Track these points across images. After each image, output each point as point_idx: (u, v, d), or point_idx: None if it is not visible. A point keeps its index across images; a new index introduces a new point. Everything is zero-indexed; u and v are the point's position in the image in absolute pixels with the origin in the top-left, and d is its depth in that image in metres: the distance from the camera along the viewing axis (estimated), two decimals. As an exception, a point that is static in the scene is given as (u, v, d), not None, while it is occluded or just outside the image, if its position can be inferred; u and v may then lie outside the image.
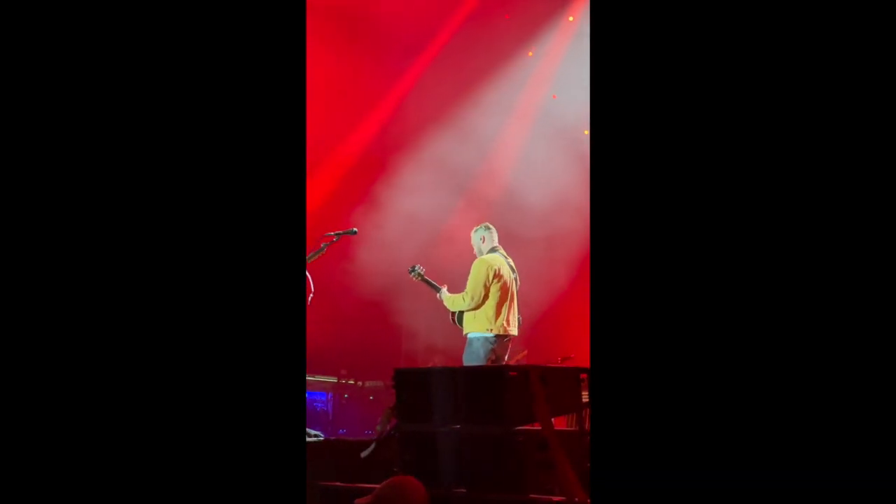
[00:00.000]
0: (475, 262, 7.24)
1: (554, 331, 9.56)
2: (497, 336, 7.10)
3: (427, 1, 10.53)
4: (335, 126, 10.42)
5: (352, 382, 10.09)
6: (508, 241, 8.09)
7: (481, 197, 10.30)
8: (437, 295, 7.49)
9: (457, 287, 7.46)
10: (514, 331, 7.25)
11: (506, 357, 7.23)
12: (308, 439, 6.33)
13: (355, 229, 7.37)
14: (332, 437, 7.48)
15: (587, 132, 8.94)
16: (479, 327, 7.14)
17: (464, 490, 4.35)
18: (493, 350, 7.08)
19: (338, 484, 4.88)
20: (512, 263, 7.34)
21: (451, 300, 7.29)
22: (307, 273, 6.74)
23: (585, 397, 4.68)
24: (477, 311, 7.14)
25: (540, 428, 4.24)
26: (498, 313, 7.11)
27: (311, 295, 6.77)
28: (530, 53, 10.47)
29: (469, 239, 7.52)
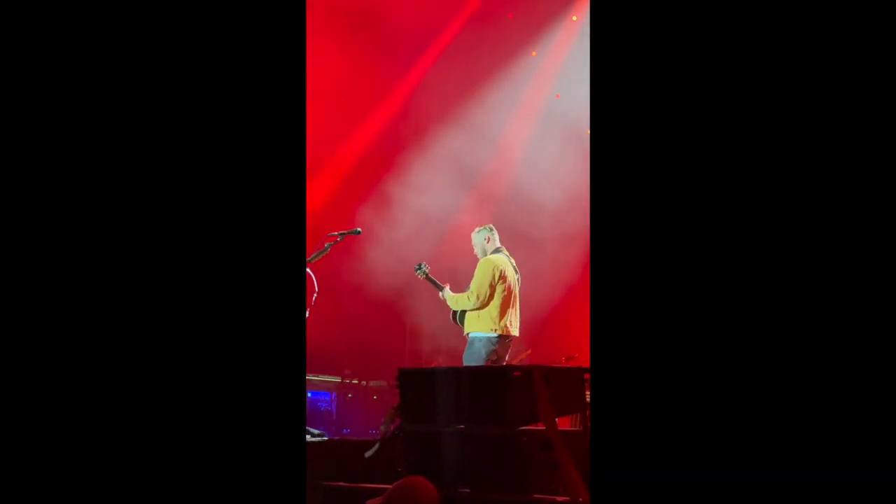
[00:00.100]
0: (481, 262, 7.26)
1: (558, 330, 9.55)
2: (499, 336, 7.12)
3: (431, 0, 10.54)
4: (339, 125, 10.42)
5: (356, 382, 10.09)
6: (514, 240, 8.10)
7: (488, 195, 10.29)
8: (440, 294, 7.50)
9: (458, 287, 7.47)
10: (515, 332, 7.27)
11: (506, 357, 7.25)
12: (312, 439, 6.34)
13: (359, 229, 7.38)
14: (336, 437, 7.48)
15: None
16: (482, 327, 7.15)
17: (468, 490, 4.35)
18: (494, 350, 7.10)
19: (342, 484, 4.87)
20: (514, 264, 7.36)
21: (456, 300, 7.29)
22: (311, 273, 6.75)
23: (589, 397, 4.67)
24: (481, 311, 7.15)
25: (544, 428, 4.24)
26: (502, 314, 7.14)
27: (315, 294, 6.77)
28: (534, 53, 10.46)
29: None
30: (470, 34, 10.51)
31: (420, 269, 7.62)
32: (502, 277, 7.15)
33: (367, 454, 5.02)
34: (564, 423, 5.17)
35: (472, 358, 7.12)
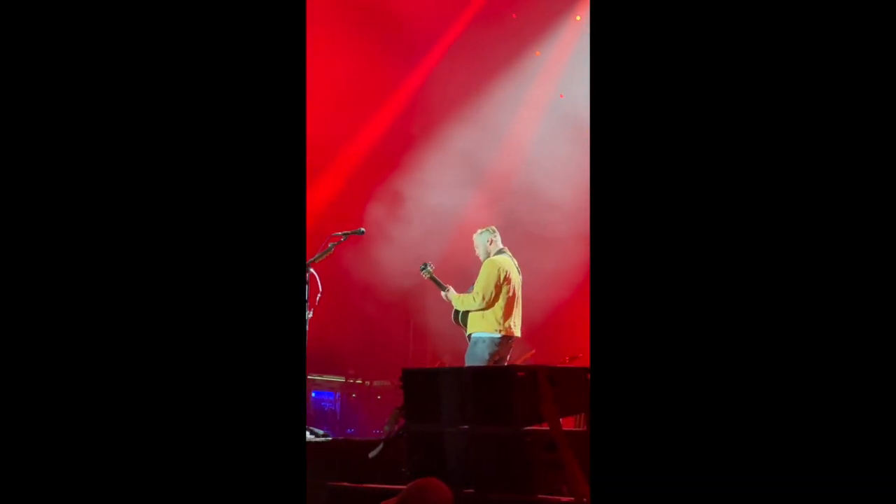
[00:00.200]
0: (486, 263, 7.28)
1: (562, 330, 9.54)
2: (503, 337, 7.14)
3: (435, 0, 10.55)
4: (344, 124, 10.42)
5: (360, 382, 10.09)
6: (519, 238, 8.10)
7: (496, 193, 10.28)
8: (443, 294, 7.51)
9: (462, 287, 7.48)
10: (517, 332, 7.30)
11: (508, 358, 7.26)
12: (316, 439, 6.34)
13: (363, 229, 7.38)
14: (340, 437, 7.49)
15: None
16: (486, 327, 7.17)
17: (472, 490, 4.34)
18: (497, 351, 7.13)
19: (345, 484, 4.88)
20: (517, 265, 7.38)
21: (461, 300, 7.31)
22: (315, 273, 6.75)
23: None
24: (485, 312, 7.17)
25: (548, 428, 4.23)
26: (507, 315, 7.16)
27: (319, 295, 6.78)
28: (538, 53, 10.46)
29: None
30: (474, 34, 10.51)
31: (425, 268, 7.64)
32: (507, 279, 7.18)
33: (371, 454, 5.03)
34: (568, 424, 5.17)
35: (475, 358, 7.13)
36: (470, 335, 7.28)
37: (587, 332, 3.21)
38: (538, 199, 9.71)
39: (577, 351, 8.25)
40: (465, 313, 7.30)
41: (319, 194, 10.27)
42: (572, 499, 4.04)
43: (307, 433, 6.48)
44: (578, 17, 10.19)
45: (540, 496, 4.17)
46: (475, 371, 5.86)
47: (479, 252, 7.44)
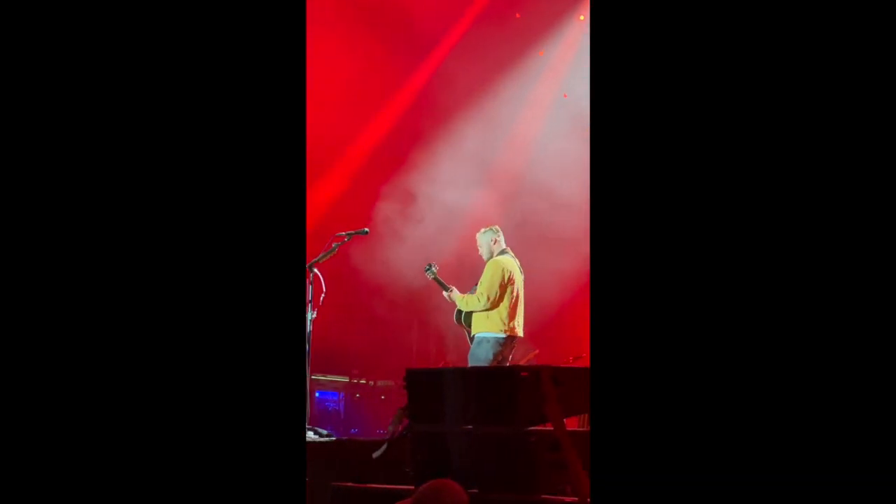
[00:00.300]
0: (490, 264, 7.30)
1: (566, 330, 9.54)
2: (506, 337, 7.17)
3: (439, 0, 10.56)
4: (348, 124, 10.43)
5: (363, 382, 10.09)
6: (521, 238, 8.09)
7: (503, 192, 10.28)
8: (445, 294, 7.53)
9: (464, 287, 7.48)
10: (521, 332, 7.33)
11: (510, 357, 7.27)
12: (320, 439, 6.34)
13: (366, 229, 7.39)
14: (344, 437, 7.49)
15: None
16: (491, 327, 7.19)
17: (476, 490, 4.34)
18: (500, 351, 7.15)
19: (349, 484, 4.88)
20: (520, 265, 7.39)
21: (465, 301, 7.32)
22: (318, 273, 6.76)
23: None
24: (490, 312, 7.19)
25: (552, 428, 4.23)
26: (512, 315, 7.18)
27: (323, 295, 6.78)
28: (541, 52, 10.46)
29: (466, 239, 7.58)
30: (478, 34, 10.51)
31: (429, 269, 7.66)
32: (511, 280, 7.20)
33: (375, 454, 5.02)
34: (572, 424, 5.17)
35: (480, 358, 7.15)
36: (473, 335, 7.29)
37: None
38: (545, 198, 9.70)
39: (580, 351, 8.25)
40: (469, 313, 7.32)
41: (325, 193, 10.28)
42: (576, 499, 4.03)
43: (311, 433, 6.48)
44: (582, 17, 10.19)
45: (544, 496, 4.16)
46: (479, 371, 5.86)
47: (483, 251, 7.45)
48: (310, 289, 6.71)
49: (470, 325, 7.35)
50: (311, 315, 6.68)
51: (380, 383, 10.12)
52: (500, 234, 7.47)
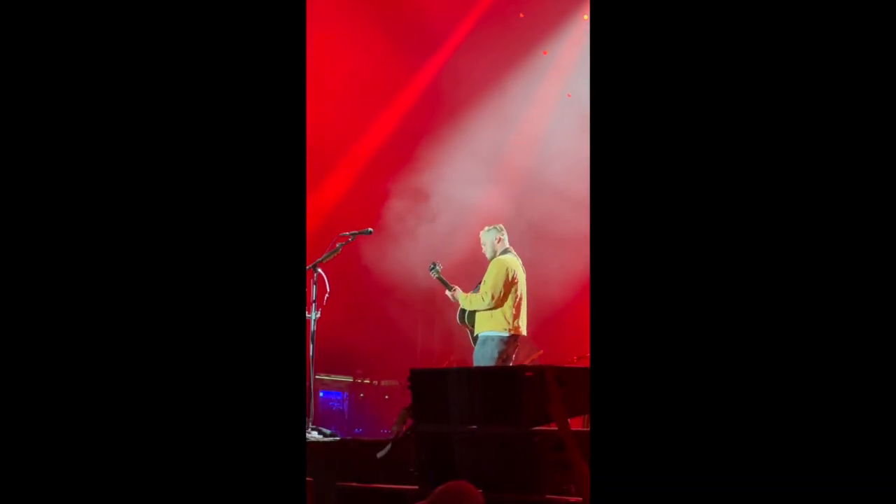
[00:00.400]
0: (493, 263, 7.31)
1: (569, 329, 9.53)
2: (511, 336, 7.17)
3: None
4: (352, 123, 10.43)
5: (367, 382, 10.09)
6: (524, 238, 8.09)
7: (509, 190, 10.28)
8: (448, 294, 7.53)
9: (467, 287, 7.49)
10: (524, 331, 7.35)
11: (514, 356, 7.28)
12: (324, 439, 6.35)
13: (370, 229, 7.40)
14: (348, 437, 7.49)
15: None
16: (495, 326, 7.19)
17: (479, 491, 4.34)
18: (505, 350, 7.16)
19: (353, 484, 4.88)
20: (522, 264, 7.40)
21: (469, 300, 7.33)
22: (323, 273, 6.76)
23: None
24: (494, 311, 7.20)
25: (556, 428, 4.23)
26: (516, 314, 7.19)
27: (328, 295, 6.79)
28: (545, 52, 10.47)
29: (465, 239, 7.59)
30: (482, 34, 10.52)
31: (434, 268, 7.67)
32: (515, 279, 7.21)
33: (380, 454, 5.03)
34: (576, 424, 5.17)
35: (485, 357, 7.16)
36: (477, 335, 7.30)
37: (595, 332, 3.20)
38: (554, 197, 9.70)
39: (584, 350, 8.25)
40: (472, 313, 7.33)
41: (332, 192, 10.29)
42: (580, 499, 4.03)
43: (315, 433, 6.49)
44: (586, 17, 10.19)
45: (548, 496, 4.16)
46: (483, 371, 5.86)
47: (486, 250, 7.46)
48: (314, 289, 6.72)
49: (473, 325, 7.36)
50: (315, 315, 6.68)
51: (384, 383, 10.13)
52: (504, 232, 7.48)
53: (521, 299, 7.26)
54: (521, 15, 10.43)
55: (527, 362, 8.05)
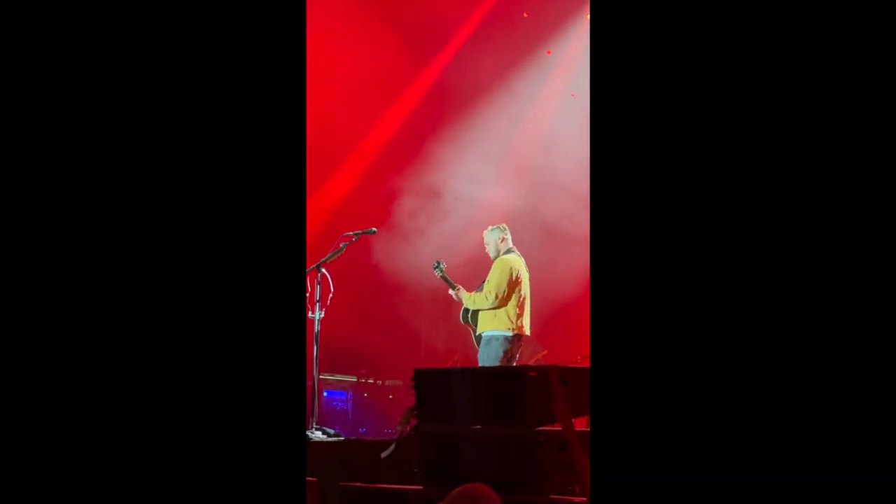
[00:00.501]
0: (497, 262, 7.31)
1: (573, 329, 9.52)
2: (514, 336, 7.18)
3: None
4: (355, 123, 10.44)
5: (371, 382, 10.10)
6: (526, 238, 8.09)
7: (513, 189, 10.28)
8: (451, 293, 7.54)
9: (470, 286, 7.49)
10: (528, 331, 7.35)
11: (517, 356, 7.29)
12: (328, 439, 6.35)
13: (374, 229, 7.40)
14: (352, 437, 7.50)
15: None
16: (499, 326, 7.20)
17: (496, 494, 4.33)
18: (509, 349, 7.17)
19: (357, 484, 4.88)
20: (524, 263, 7.41)
21: (473, 299, 7.33)
22: (326, 273, 6.77)
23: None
24: (497, 311, 7.20)
25: (560, 428, 4.23)
26: (520, 313, 7.20)
27: (331, 294, 6.79)
28: (549, 52, 10.48)
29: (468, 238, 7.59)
30: (484, 34, 10.53)
31: (438, 266, 7.68)
32: (518, 278, 7.22)
33: (384, 454, 5.03)
34: (580, 424, 5.16)
35: (490, 356, 7.17)
36: (481, 334, 7.30)
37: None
38: (556, 197, 9.69)
39: (588, 350, 8.23)
40: (475, 312, 7.34)
41: (336, 192, 10.30)
42: (585, 499, 4.03)
43: (319, 433, 6.50)
44: (588, 16, 10.19)
45: (552, 496, 4.16)
46: (487, 371, 5.86)
47: (490, 249, 7.46)
48: (318, 289, 6.72)
49: (476, 324, 7.36)
50: (318, 315, 6.69)
51: (388, 383, 10.13)
52: (508, 232, 7.48)
53: (524, 299, 7.26)
54: (525, 15, 10.43)
55: (531, 362, 8.05)
